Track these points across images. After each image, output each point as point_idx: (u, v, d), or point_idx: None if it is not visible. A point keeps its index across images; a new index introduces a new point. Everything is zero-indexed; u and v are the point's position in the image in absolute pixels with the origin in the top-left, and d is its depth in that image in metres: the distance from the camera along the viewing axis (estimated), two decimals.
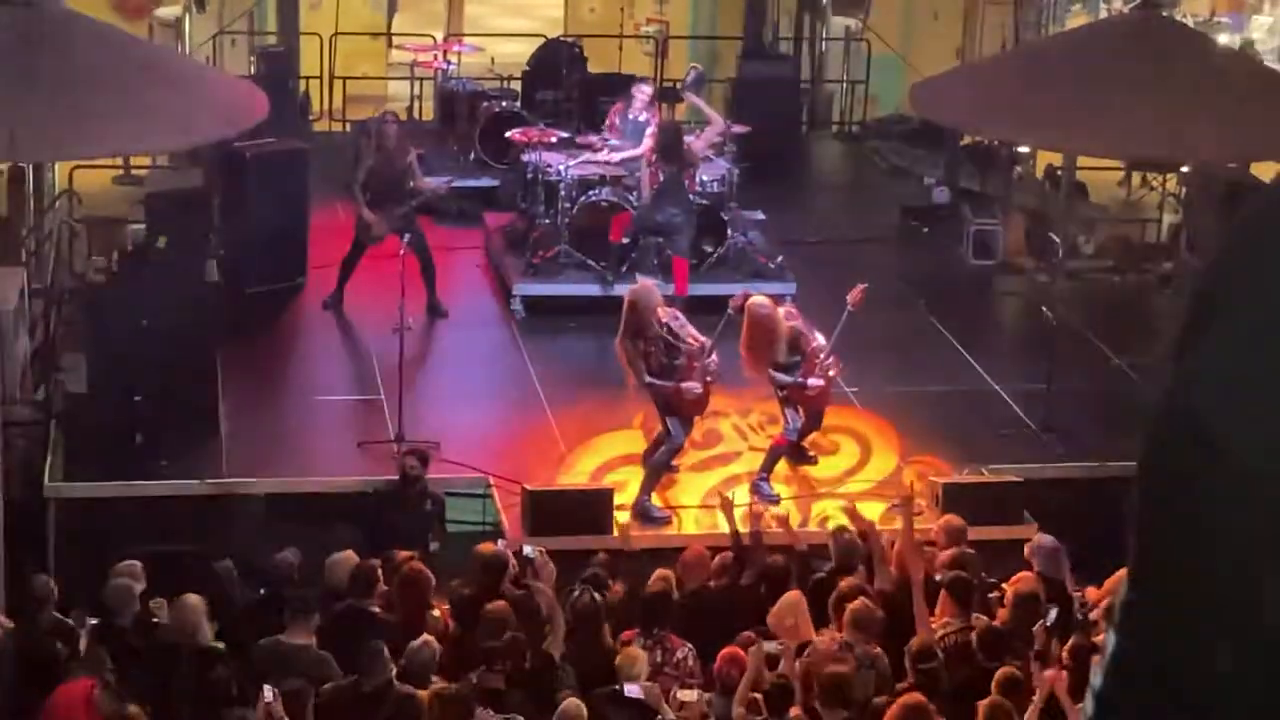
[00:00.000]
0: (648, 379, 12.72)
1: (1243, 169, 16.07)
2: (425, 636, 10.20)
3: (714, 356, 12.76)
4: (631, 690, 9.64)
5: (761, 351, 12.91)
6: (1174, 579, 1.80)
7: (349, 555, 11.15)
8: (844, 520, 12.19)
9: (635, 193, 16.33)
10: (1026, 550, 11.60)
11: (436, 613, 10.81)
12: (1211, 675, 1.75)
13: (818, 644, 10.22)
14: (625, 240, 16.18)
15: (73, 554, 12.27)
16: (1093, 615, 10.87)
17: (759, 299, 13.16)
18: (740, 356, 12.97)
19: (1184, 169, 18.36)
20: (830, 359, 13.04)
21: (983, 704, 9.39)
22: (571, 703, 9.33)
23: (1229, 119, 14.37)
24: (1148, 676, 1.82)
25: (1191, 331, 1.83)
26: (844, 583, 10.89)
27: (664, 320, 12.76)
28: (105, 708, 9.50)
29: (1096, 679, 1.90)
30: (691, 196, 15.87)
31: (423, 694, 9.52)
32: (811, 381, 13.00)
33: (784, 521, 12.49)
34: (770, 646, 10.06)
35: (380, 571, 10.91)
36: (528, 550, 11.13)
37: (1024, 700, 9.62)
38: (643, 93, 17.11)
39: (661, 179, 15.64)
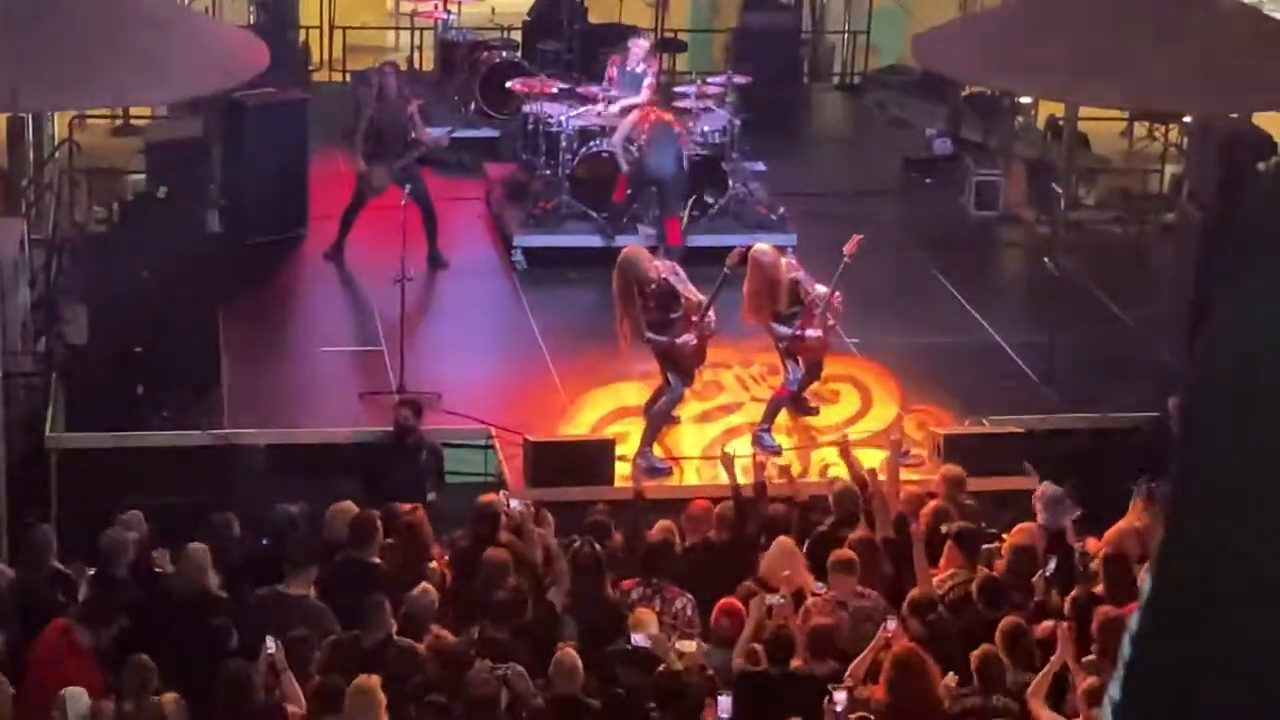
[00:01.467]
0: (647, 334, 12.73)
1: (1245, 120, 16.02)
2: (424, 584, 10.23)
3: (711, 314, 12.76)
4: (638, 639, 9.67)
5: (764, 299, 12.92)
6: (1216, 511, 1.80)
7: (349, 506, 11.16)
8: (844, 470, 12.20)
9: (636, 144, 16.30)
10: (1033, 499, 11.61)
11: (434, 564, 10.83)
12: (1251, 609, 1.75)
13: (811, 604, 10.26)
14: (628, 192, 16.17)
15: (74, 505, 12.29)
16: (1093, 566, 10.90)
17: (762, 247, 13.17)
18: (742, 306, 12.99)
19: (1186, 119, 18.32)
20: (834, 299, 12.97)
21: (975, 654, 9.41)
22: (567, 654, 9.33)
23: (1232, 70, 14.33)
24: (1184, 618, 1.82)
25: (1235, 270, 1.85)
26: (842, 538, 10.92)
27: (662, 274, 12.75)
28: (89, 640, 9.59)
29: (1133, 622, 1.91)
30: (684, 148, 15.78)
31: (422, 647, 9.55)
32: (810, 332, 13.00)
33: (785, 472, 12.50)
34: (772, 598, 10.08)
35: (379, 523, 10.94)
36: (514, 504, 11.12)
37: (1026, 649, 9.65)
38: (639, 45, 17.05)
39: (653, 119, 15.57)
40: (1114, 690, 1.94)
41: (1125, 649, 1.92)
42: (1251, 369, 1.78)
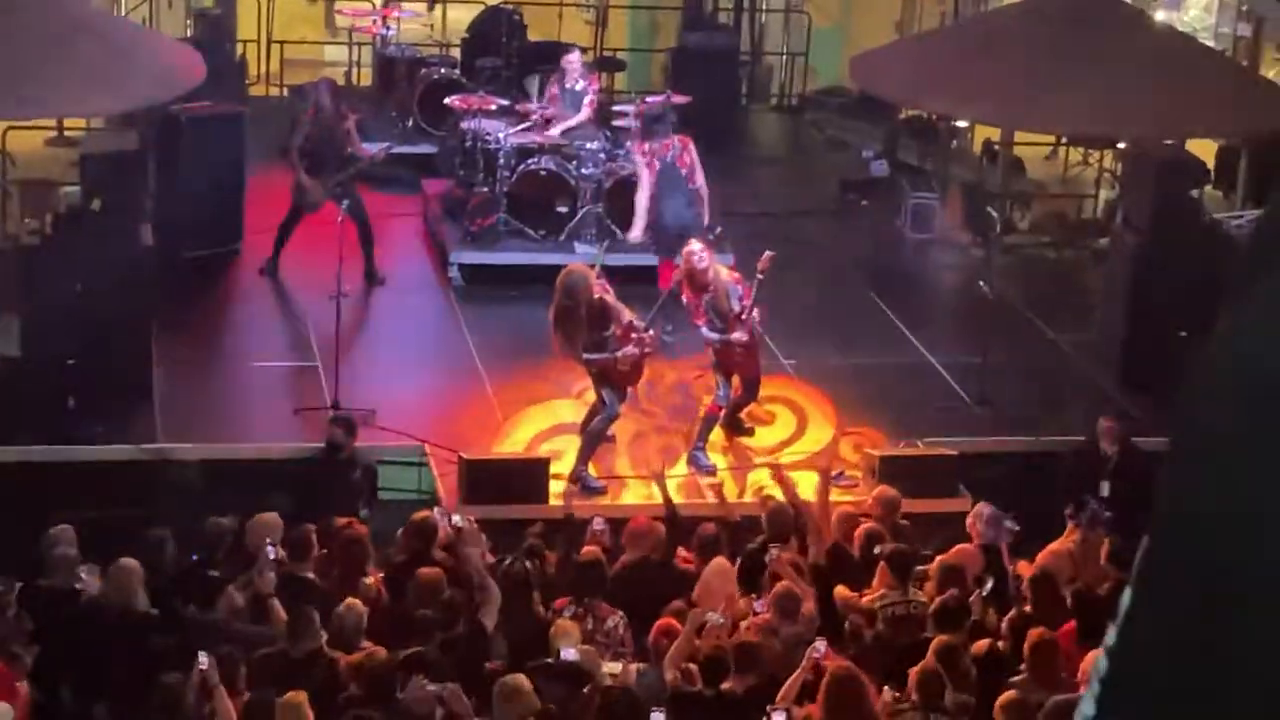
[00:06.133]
0: (583, 355, 12.73)
1: (1179, 145, 16.16)
2: (350, 600, 10.17)
3: (651, 333, 12.77)
4: (568, 654, 9.65)
5: (696, 295, 12.96)
6: (1204, 526, 1.79)
7: (271, 517, 11.07)
8: (776, 490, 12.21)
9: (575, 163, 16.28)
10: (969, 519, 11.64)
11: (369, 580, 10.79)
12: (1234, 629, 1.73)
13: (745, 627, 10.26)
14: (561, 210, 16.16)
15: (3, 518, 12.17)
16: (1024, 589, 10.94)
17: (695, 248, 13.14)
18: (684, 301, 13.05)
19: (1120, 145, 18.46)
20: (751, 310, 12.98)
21: (915, 670, 9.44)
22: (512, 678, 9.26)
23: (1166, 96, 14.46)
24: (1163, 635, 1.81)
25: (1243, 285, 1.85)
26: (778, 556, 10.90)
27: (596, 294, 12.75)
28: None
29: (1110, 637, 1.89)
30: (690, 184, 15.27)
31: (351, 660, 9.52)
32: (736, 336, 12.91)
33: (718, 492, 12.50)
34: (711, 616, 10.08)
35: (315, 538, 10.88)
36: (456, 519, 11.10)
37: (963, 669, 9.67)
38: (571, 63, 17.05)
39: (659, 165, 15.21)
40: (1087, 707, 1.92)
41: (1100, 664, 1.90)
42: (1233, 386, 1.78)
